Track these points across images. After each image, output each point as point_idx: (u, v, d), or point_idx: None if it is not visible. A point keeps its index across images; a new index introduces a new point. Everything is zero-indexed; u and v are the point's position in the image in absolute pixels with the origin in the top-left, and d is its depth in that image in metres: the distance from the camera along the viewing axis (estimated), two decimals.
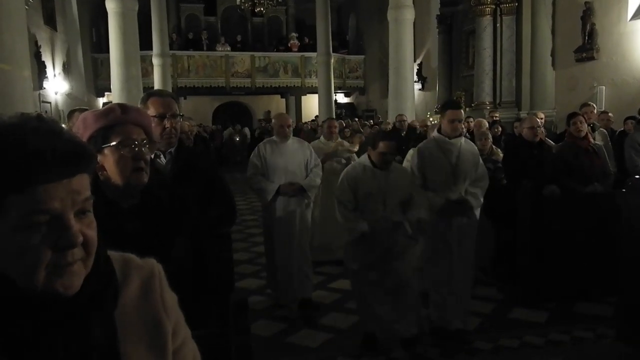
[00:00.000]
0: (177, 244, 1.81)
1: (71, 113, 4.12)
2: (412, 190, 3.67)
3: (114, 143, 1.64)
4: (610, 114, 6.97)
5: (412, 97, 10.89)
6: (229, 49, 21.17)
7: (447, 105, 4.01)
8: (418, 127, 8.74)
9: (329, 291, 4.94)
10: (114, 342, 0.87)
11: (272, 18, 23.39)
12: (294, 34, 22.57)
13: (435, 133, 3.92)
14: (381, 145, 3.53)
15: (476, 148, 4.11)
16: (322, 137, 6.26)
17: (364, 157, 3.72)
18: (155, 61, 16.67)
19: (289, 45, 22.24)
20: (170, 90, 15.52)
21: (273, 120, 4.88)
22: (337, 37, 21.89)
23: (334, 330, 4.02)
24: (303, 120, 19.40)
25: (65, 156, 0.79)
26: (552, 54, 11.70)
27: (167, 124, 2.45)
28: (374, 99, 21.58)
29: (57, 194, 0.78)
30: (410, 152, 5.17)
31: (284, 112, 22.79)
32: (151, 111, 2.44)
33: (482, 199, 3.84)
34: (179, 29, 21.96)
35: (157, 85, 15.50)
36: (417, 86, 17.51)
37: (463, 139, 3.85)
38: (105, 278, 0.88)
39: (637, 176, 4.28)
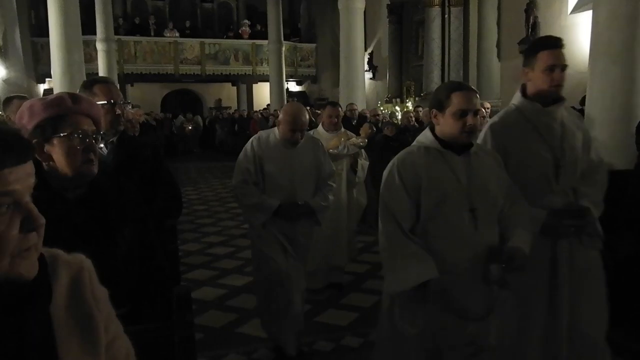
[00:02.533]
0: (122, 236, 1.77)
1: (8, 100, 3.90)
2: (508, 192, 2.23)
3: (64, 134, 1.60)
4: None
5: (362, 86, 10.96)
6: (177, 34, 20.66)
7: (538, 44, 2.48)
8: (369, 116, 8.81)
9: None
10: (50, 337, 0.86)
11: (222, 4, 22.97)
12: (245, 21, 22.25)
13: (517, 96, 2.48)
14: (455, 102, 2.12)
15: (582, 119, 2.75)
16: (320, 128, 4.94)
17: (424, 135, 2.27)
18: (100, 46, 16.07)
19: (240, 32, 21.92)
20: (116, 76, 15.04)
21: (286, 114, 3.27)
22: (288, 24, 21.74)
23: None
24: (255, 109, 19.24)
25: (22, 142, 0.86)
26: (498, 46, 12.03)
27: (118, 110, 2.41)
28: (326, 87, 21.60)
29: (19, 176, 0.83)
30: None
31: (236, 100, 22.59)
32: (100, 98, 2.37)
33: (602, 205, 2.38)
34: (125, 13, 21.23)
35: (101, 71, 14.97)
36: (368, 75, 17.64)
37: (564, 106, 2.43)
38: (40, 272, 0.86)
39: None
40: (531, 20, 10.64)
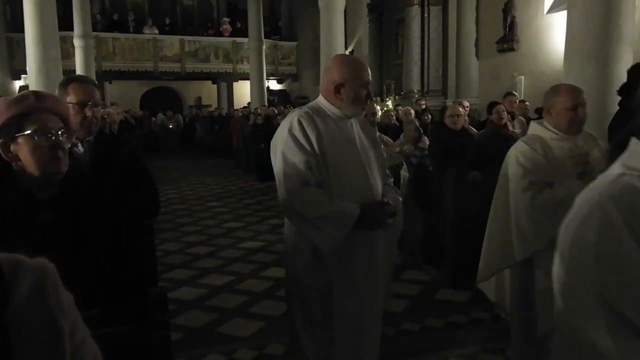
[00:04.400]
0: (97, 236, 1.75)
1: None
2: None
3: (28, 132, 1.58)
4: (527, 103, 7.34)
5: None
6: (157, 32, 20.45)
7: None
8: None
9: (261, 279, 4.93)
10: (5, 342, 0.85)
11: (202, 1, 22.80)
12: (225, 19, 22.12)
13: None
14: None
15: None
16: None
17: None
18: (77, 43, 15.80)
19: (221, 29, 21.80)
20: (94, 73, 14.82)
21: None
22: (269, 22, 21.67)
23: (266, 318, 4.03)
24: (235, 107, 19.15)
25: None
26: (476, 45, 12.16)
27: (88, 112, 2.36)
28: (307, 85, 21.59)
29: None
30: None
31: (217, 98, 22.44)
32: (71, 98, 2.34)
33: None
34: (103, 9, 20.93)
35: (79, 69, 14.74)
36: None
37: None
38: None
39: None
40: (509, 20, 10.78)
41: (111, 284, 1.67)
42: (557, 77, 5.08)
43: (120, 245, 1.77)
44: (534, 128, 2.78)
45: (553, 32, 9.78)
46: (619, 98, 3.71)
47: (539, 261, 2.65)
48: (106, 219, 1.79)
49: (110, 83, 19.82)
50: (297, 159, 2.15)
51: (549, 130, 2.66)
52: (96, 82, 2.64)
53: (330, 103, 2.28)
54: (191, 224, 7.32)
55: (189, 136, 19.52)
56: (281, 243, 6.08)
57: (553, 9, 10.04)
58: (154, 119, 19.81)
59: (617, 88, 3.75)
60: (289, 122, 2.22)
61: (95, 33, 17.40)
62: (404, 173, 4.53)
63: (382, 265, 2.40)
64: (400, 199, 2.48)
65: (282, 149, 2.19)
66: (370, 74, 2.29)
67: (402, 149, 4.08)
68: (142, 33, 20.25)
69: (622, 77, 3.86)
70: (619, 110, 3.68)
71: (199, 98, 23.63)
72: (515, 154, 2.70)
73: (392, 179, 2.61)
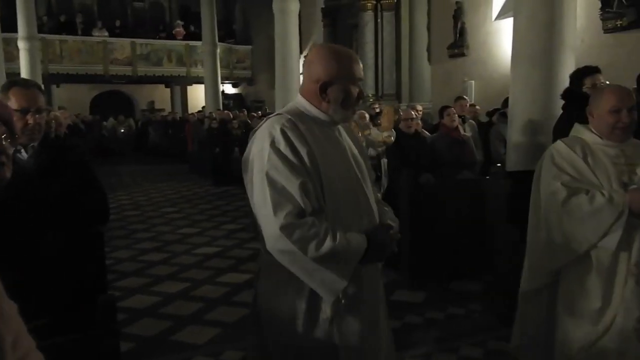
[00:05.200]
0: (45, 243, 1.69)
1: None
2: None
3: None
4: (478, 107, 7.56)
5: (298, 88, 10.99)
6: (107, 34, 19.94)
7: None
8: None
9: (217, 285, 4.86)
10: None
11: (154, 3, 22.40)
12: (179, 22, 21.79)
13: None
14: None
15: None
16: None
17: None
18: (21, 45, 15.19)
19: (174, 32, 21.46)
20: (40, 77, 14.30)
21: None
22: (223, 26, 21.48)
23: (222, 324, 3.98)
24: (189, 111, 18.88)
25: None
26: (429, 50, 12.43)
27: (30, 119, 2.26)
28: (262, 89, 21.51)
29: None
30: None
31: (170, 102, 22.05)
32: (12, 103, 2.23)
33: None
34: (49, 10, 20.23)
35: (24, 71, 14.18)
36: None
37: None
38: None
39: (498, 164, 4.70)
40: (459, 26, 11.08)
41: (58, 292, 1.61)
42: (505, 81, 5.24)
43: (67, 252, 1.71)
44: (577, 129, 2.48)
45: (501, 38, 10.11)
46: (562, 102, 3.85)
47: (565, 283, 2.38)
48: (52, 226, 1.73)
49: (58, 87, 19.17)
50: (289, 182, 1.67)
51: (593, 133, 2.37)
52: (41, 85, 2.53)
53: (314, 106, 1.82)
54: (144, 230, 7.15)
55: (142, 141, 19.09)
56: (238, 248, 6.09)
57: (500, 15, 10.37)
58: (104, 123, 19.27)
59: (561, 92, 3.90)
60: (268, 134, 1.72)
61: (41, 35, 16.80)
62: (385, 160, 4.49)
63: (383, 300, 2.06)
64: (396, 219, 2.04)
65: (266, 169, 1.69)
66: (362, 68, 1.86)
67: (384, 137, 4.06)
68: (92, 35, 19.71)
69: (565, 82, 4.02)
70: (562, 113, 3.82)
71: (152, 102, 23.17)
72: (551, 152, 2.41)
73: (380, 194, 2.19)
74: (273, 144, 1.70)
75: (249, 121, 11.89)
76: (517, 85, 4.55)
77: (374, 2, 12.83)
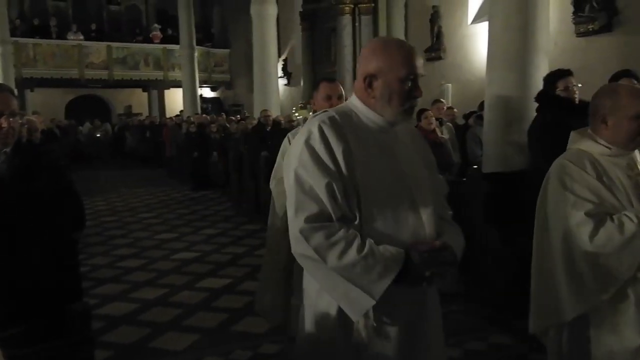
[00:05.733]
0: (17, 250, 1.66)
1: None
2: None
3: None
4: (455, 109, 7.64)
5: (276, 92, 11.01)
6: (82, 37, 19.66)
7: None
8: (283, 122, 8.85)
9: (196, 291, 4.82)
10: None
11: (130, 6, 22.17)
12: (156, 25, 21.60)
13: None
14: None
15: None
16: None
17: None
18: None
19: (151, 36, 21.26)
20: (13, 81, 14.05)
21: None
22: (201, 29, 21.37)
23: (201, 330, 3.94)
24: (167, 115, 18.71)
25: None
26: None
27: (4, 123, 2.22)
28: (240, 93, 21.43)
29: None
30: None
31: (147, 107, 21.82)
32: None
33: None
34: (21, 13, 19.87)
35: None
36: (283, 81, 17.70)
37: None
38: None
39: (475, 166, 4.76)
40: (435, 30, 11.17)
41: (31, 300, 1.58)
42: (481, 84, 5.31)
43: (41, 260, 1.68)
44: (577, 140, 2.14)
45: (477, 42, 10.23)
46: (536, 104, 3.92)
47: (598, 318, 2.02)
48: (26, 233, 1.70)
49: (32, 91, 18.82)
50: (316, 181, 1.53)
51: (599, 143, 2.05)
52: (14, 90, 2.48)
53: (366, 105, 1.66)
54: (122, 236, 7.06)
55: (118, 146, 18.85)
56: (217, 252, 6.05)
57: (476, 19, 10.50)
58: (80, 128, 18.98)
59: (535, 95, 3.96)
60: (307, 131, 1.60)
61: (14, 38, 16.51)
62: None
63: (430, 334, 1.74)
64: (463, 240, 1.76)
65: (295, 167, 1.57)
66: (421, 63, 1.65)
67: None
68: (66, 39, 19.41)
69: (539, 84, 4.09)
70: (537, 115, 3.89)
71: (129, 106, 22.91)
72: (559, 176, 2.05)
73: (451, 212, 1.87)
74: (308, 140, 1.58)
75: (228, 125, 11.84)
76: (492, 88, 4.61)
77: (352, 6, 12.89)
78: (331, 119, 1.61)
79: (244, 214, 8.20)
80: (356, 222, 1.55)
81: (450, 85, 10.92)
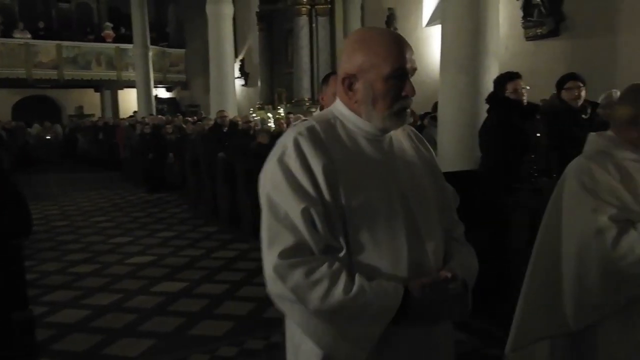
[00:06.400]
0: None
1: None
2: None
3: None
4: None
5: (233, 92, 10.93)
6: (29, 36, 18.95)
7: None
8: (240, 123, 8.78)
9: (151, 295, 4.72)
10: None
11: (81, 4, 21.54)
12: (108, 24, 21.05)
13: None
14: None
15: None
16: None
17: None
18: None
19: (103, 35, 20.71)
20: None
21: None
22: (156, 28, 20.95)
23: (156, 335, 3.86)
24: (121, 116, 18.26)
25: None
26: None
27: None
28: (197, 94, 21.14)
29: None
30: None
31: (100, 107, 21.23)
32: None
33: None
34: None
35: None
36: (240, 82, 17.59)
37: None
38: None
39: None
40: None
41: None
42: (435, 86, 5.42)
43: None
44: (597, 142, 1.96)
45: (431, 44, 10.43)
46: (487, 106, 4.03)
47: (605, 329, 1.86)
48: None
49: None
50: (292, 207, 1.27)
51: (623, 147, 1.88)
52: None
53: (351, 110, 1.40)
54: (74, 241, 6.84)
55: (70, 148, 18.25)
56: (173, 256, 5.95)
57: (431, 22, 10.72)
58: (29, 130, 18.27)
59: (486, 97, 4.08)
60: (282, 146, 1.35)
61: None
62: None
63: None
64: (476, 264, 1.51)
65: (268, 190, 1.33)
66: (410, 55, 1.35)
67: None
68: (12, 37, 18.67)
69: (490, 87, 4.21)
70: (487, 116, 4.00)
71: (81, 107, 22.24)
72: (578, 177, 1.87)
73: (463, 227, 1.56)
74: (282, 157, 1.33)
75: (184, 126, 11.66)
76: (445, 90, 4.72)
77: (308, 7, 12.94)
78: (310, 130, 1.35)
79: (200, 216, 8.09)
80: (343, 254, 1.29)
81: None
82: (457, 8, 4.64)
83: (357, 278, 1.26)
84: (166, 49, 21.63)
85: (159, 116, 13.82)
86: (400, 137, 1.47)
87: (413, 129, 1.56)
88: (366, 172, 1.35)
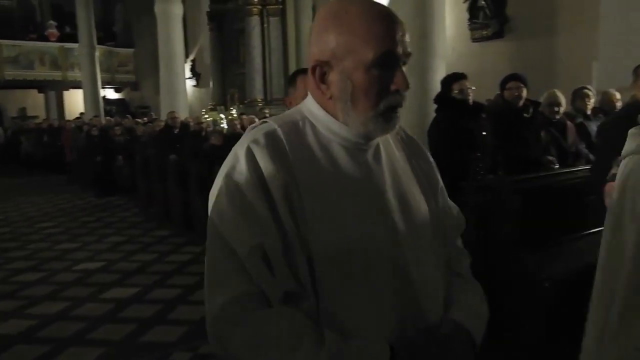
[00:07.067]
0: None
1: None
2: None
3: None
4: None
5: (184, 93, 10.78)
6: None
7: None
8: (192, 124, 8.66)
9: (100, 302, 4.60)
10: None
11: (22, 2, 20.67)
12: (51, 22, 20.30)
13: None
14: None
15: None
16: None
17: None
18: None
19: (46, 34, 19.95)
20: None
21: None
22: (102, 27, 20.36)
23: (106, 343, 3.77)
24: (67, 118, 17.65)
25: None
26: None
27: None
28: (147, 94, 20.68)
29: None
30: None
31: (44, 109, 20.43)
32: None
33: None
34: None
35: None
36: (192, 82, 17.35)
37: None
38: None
39: None
40: None
41: None
42: None
43: None
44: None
45: None
46: (435, 106, 4.13)
47: None
48: None
49: None
50: (240, 240, 0.96)
51: None
52: None
53: (324, 109, 1.06)
54: (17, 248, 6.57)
55: (13, 151, 17.48)
56: (124, 261, 5.81)
57: None
58: None
59: (434, 97, 4.18)
60: (232, 157, 1.04)
61: None
62: None
63: None
64: (485, 308, 1.17)
65: (211, 217, 1.02)
66: (402, 34, 1.01)
67: None
68: None
69: (438, 87, 4.32)
70: (435, 116, 4.10)
71: (23, 108, 21.35)
72: None
73: (470, 258, 1.25)
74: (230, 173, 1.01)
75: (134, 127, 11.39)
76: None
77: (260, 7, 12.89)
78: (268, 136, 1.02)
79: (152, 219, 7.92)
80: (308, 303, 0.96)
81: None
82: (405, 10, 4.73)
83: (328, 337, 0.93)
84: (113, 48, 21.05)
85: (107, 118, 13.45)
86: (390, 144, 1.13)
87: (405, 131, 1.21)
88: (342, 194, 1.00)
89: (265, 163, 0.98)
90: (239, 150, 1.02)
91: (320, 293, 0.97)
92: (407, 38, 1.02)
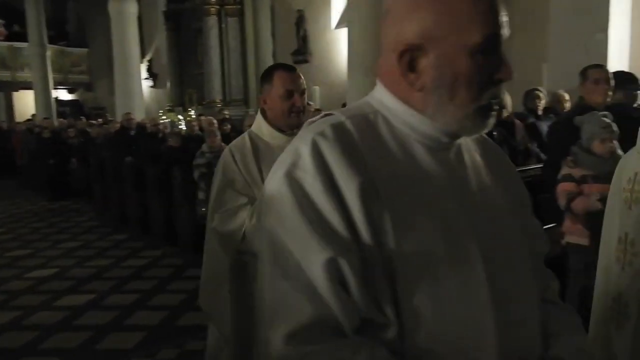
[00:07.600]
0: None
1: None
2: None
3: None
4: (322, 112, 7.90)
5: (140, 94, 10.56)
6: None
7: None
8: (148, 125, 8.49)
9: (54, 310, 4.45)
10: None
11: None
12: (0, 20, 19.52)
13: None
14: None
15: None
16: (261, 124, 2.19)
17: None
18: None
19: None
20: None
21: None
22: (54, 26, 19.68)
23: (60, 352, 3.65)
24: (17, 120, 17.02)
25: None
26: (274, 56, 12.66)
27: None
28: (102, 95, 20.13)
29: None
30: None
31: None
32: None
33: None
34: None
35: None
36: (149, 83, 17.01)
37: None
38: None
39: None
40: (301, 33, 11.46)
41: None
42: (345, 88, 5.55)
43: None
44: None
45: (341, 46, 10.66)
46: None
47: None
48: None
49: None
50: (308, 256, 0.79)
51: None
52: None
53: (405, 103, 0.88)
54: None
55: None
56: (78, 267, 5.64)
57: (339, 24, 10.95)
58: None
59: None
60: (293, 152, 0.85)
61: None
62: None
63: None
64: (584, 334, 1.05)
65: (270, 226, 0.84)
66: (504, 17, 0.85)
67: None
68: None
69: None
70: None
71: None
72: None
73: (558, 283, 1.08)
74: (292, 171, 0.83)
75: (88, 129, 11.07)
76: (352, 92, 4.86)
77: (217, 7, 12.75)
78: (337, 129, 0.85)
79: (108, 224, 7.72)
80: (391, 332, 0.79)
81: (317, 87, 11.25)
82: (363, 12, 4.78)
83: None
84: (66, 48, 20.39)
85: (60, 119, 13.03)
86: (475, 146, 0.97)
87: (486, 137, 1.03)
88: (426, 200, 0.84)
89: (335, 160, 0.81)
90: (300, 145, 0.84)
91: (404, 321, 0.79)
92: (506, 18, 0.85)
